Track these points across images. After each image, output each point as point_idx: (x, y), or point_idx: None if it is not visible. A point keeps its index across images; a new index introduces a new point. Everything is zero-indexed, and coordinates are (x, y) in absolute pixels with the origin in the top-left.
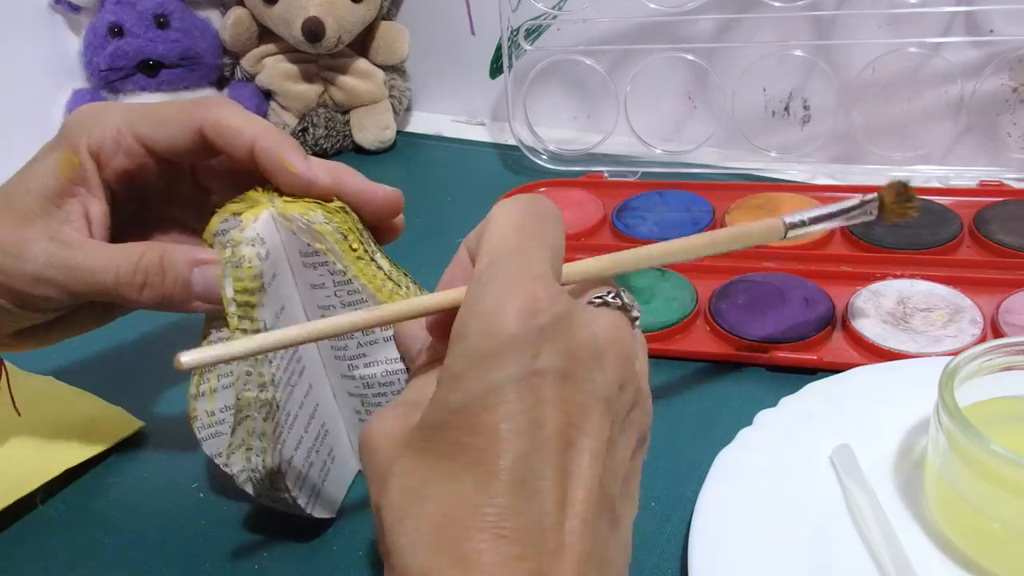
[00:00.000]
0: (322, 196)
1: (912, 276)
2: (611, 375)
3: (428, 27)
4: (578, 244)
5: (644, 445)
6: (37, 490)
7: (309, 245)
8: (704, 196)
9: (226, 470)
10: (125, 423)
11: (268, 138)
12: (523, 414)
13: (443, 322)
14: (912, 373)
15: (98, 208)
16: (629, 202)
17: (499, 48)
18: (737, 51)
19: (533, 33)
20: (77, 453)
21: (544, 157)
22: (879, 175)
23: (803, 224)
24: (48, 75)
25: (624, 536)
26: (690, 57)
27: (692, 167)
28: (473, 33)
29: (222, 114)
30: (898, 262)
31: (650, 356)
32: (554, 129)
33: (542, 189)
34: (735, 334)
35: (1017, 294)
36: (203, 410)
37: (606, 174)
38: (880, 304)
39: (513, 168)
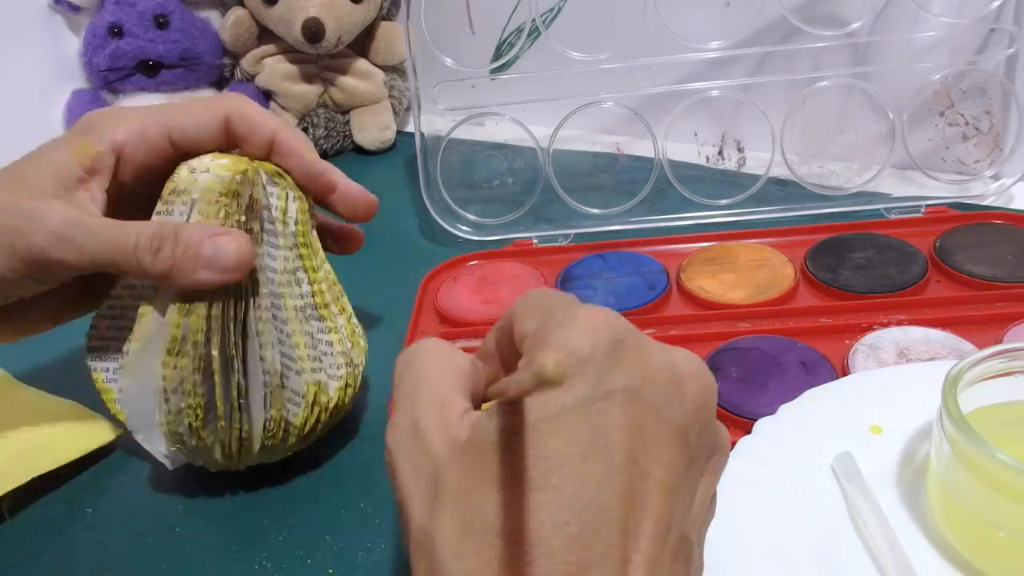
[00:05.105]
0: (324, 187)
1: (900, 323)
2: (691, 407)
3: None
4: None
5: (713, 504)
6: (2, 500)
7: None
8: (650, 254)
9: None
10: (102, 432)
11: (287, 130)
12: (590, 439)
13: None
14: (913, 379)
15: (102, 200)
16: (570, 270)
17: (499, 48)
18: (665, 96)
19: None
20: (43, 463)
21: (465, 229)
22: (823, 210)
23: None
24: (48, 75)
25: None
26: (608, 104)
27: (629, 222)
28: (473, 33)
29: (246, 108)
30: (878, 308)
31: None
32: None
33: (473, 262)
34: (740, 415)
35: (1014, 328)
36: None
37: (535, 240)
38: (882, 359)
39: (431, 238)
